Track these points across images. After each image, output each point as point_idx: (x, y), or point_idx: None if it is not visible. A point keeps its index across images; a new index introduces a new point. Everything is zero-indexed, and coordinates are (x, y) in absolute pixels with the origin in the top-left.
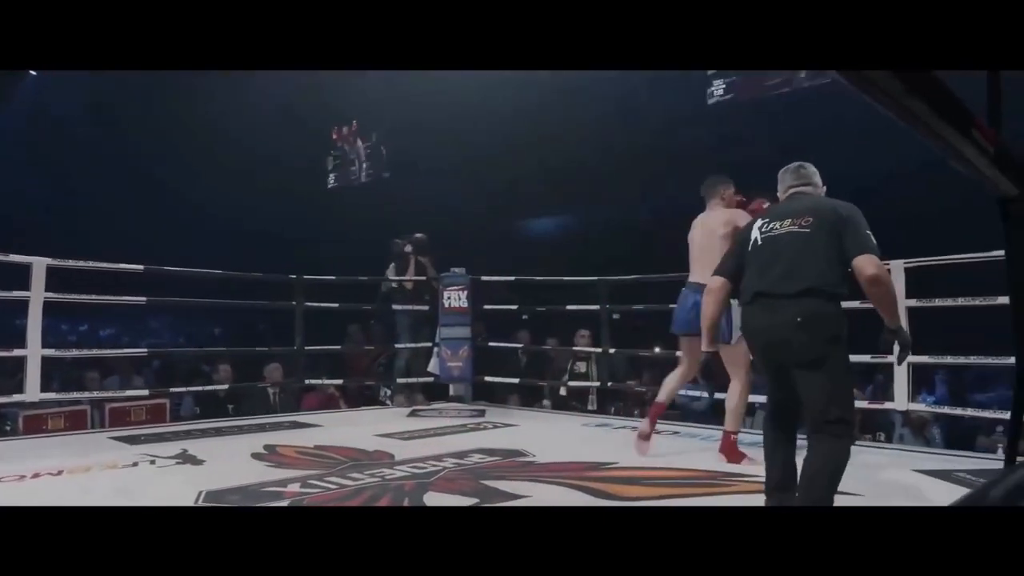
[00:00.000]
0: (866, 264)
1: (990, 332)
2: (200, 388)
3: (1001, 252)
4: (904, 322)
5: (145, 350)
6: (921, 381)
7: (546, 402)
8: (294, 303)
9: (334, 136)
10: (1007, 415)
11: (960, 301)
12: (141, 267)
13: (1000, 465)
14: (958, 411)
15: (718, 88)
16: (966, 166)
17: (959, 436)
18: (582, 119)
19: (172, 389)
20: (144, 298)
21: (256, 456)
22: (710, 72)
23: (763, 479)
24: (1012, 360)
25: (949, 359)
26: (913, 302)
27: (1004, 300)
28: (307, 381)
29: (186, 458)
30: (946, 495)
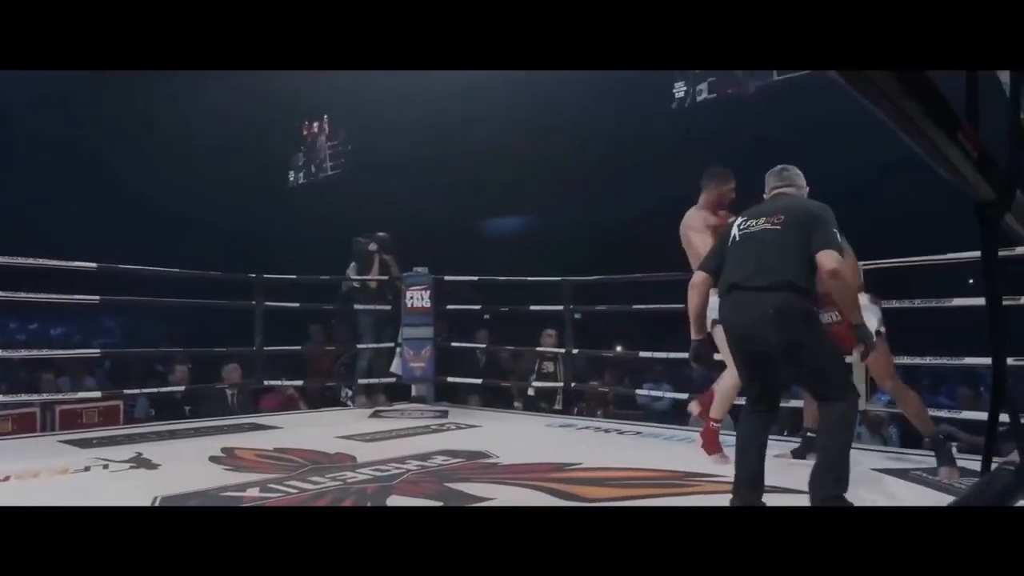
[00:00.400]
0: (826, 259)
1: (942, 334)
2: (155, 389)
3: (953, 255)
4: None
5: (98, 350)
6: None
7: (517, 404)
8: (253, 302)
9: (304, 132)
10: (961, 414)
11: (917, 303)
12: (94, 265)
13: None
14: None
15: (680, 90)
16: (950, 170)
17: (916, 435)
18: (547, 120)
19: (126, 390)
20: (97, 297)
21: (213, 459)
22: (676, 73)
23: (729, 479)
24: (965, 360)
25: (905, 359)
26: (865, 300)
27: (959, 302)
28: (266, 382)
29: (140, 462)
30: (904, 493)
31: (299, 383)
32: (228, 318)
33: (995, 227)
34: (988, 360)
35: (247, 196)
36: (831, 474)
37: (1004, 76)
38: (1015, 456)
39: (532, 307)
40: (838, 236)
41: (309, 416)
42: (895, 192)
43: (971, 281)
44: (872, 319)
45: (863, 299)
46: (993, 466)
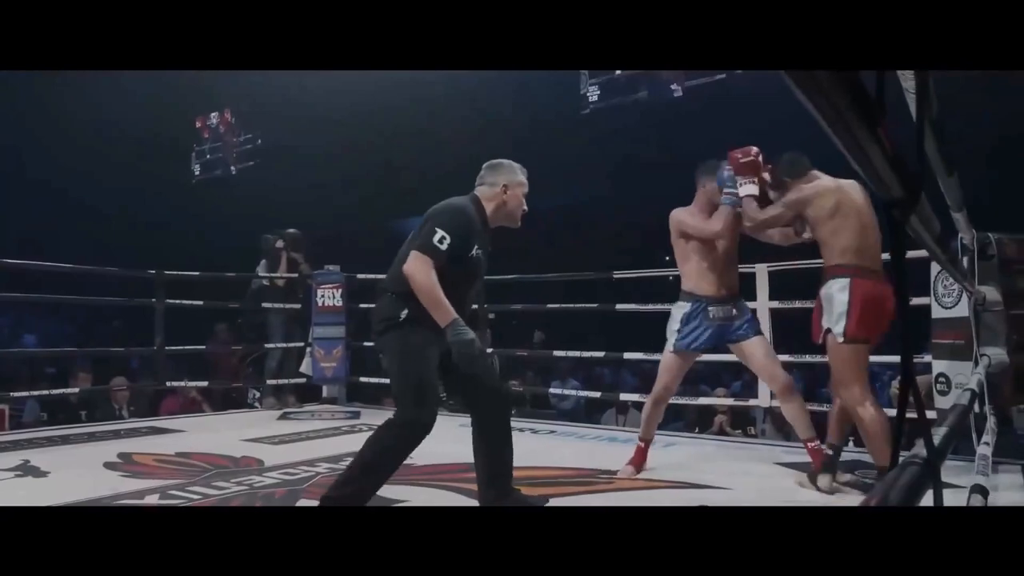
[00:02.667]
0: (408, 260)
1: None
2: (46, 392)
3: None
4: (767, 323)
5: None
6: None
7: (450, 401)
8: (154, 300)
9: (198, 125)
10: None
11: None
12: None
13: (851, 456)
14: (814, 407)
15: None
16: (867, 166)
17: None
18: (460, 118)
19: (13, 393)
20: None
21: (109, 466)
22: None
23: (643, 476)
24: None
25: (808, 357)
26: (776, 304)
27: None
28: (167, 383)
29: (27, 470)
30: (808, 488)
31: (203, 384)
32: (127, 316)
33: (904, 225)
34: (884, 358)
35: (149, 187)
36: (344, 478)
37: (907, 81)
38: (921, 449)
39: None
40: (435, 236)
41: (213, 419)
42: None
43: None
44: (832, 310)
45: (831, 284)
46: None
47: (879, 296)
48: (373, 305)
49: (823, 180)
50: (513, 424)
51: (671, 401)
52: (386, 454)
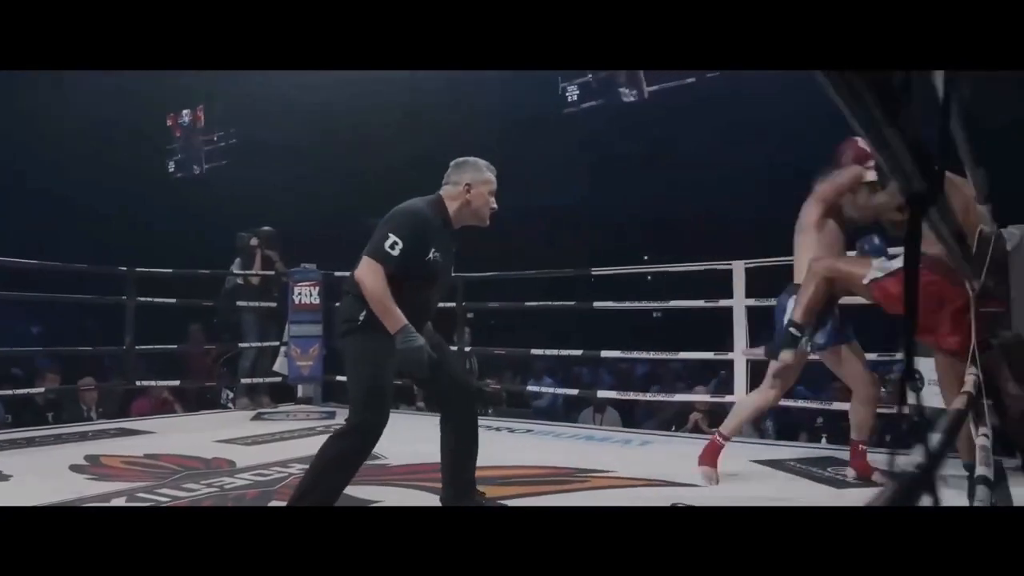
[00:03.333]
0: (359, 266)
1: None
2: (10, 392)
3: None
4: (743, 322)
5: None
6: (757, 377)
7: (420, 403)
8: (124, 298)
9: (169, 123)
10: (831, 406)
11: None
12: None
13: (824, 453)
14: (790, 403)
15: (573, 94)
16: (887, 155)
17: (789, 427)
18: (437, 116)
19: None
20: None
21: (75, 468)
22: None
23: (619, 475)
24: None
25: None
26: (752, 301)
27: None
28: (138, 383)
29: None
30: (782, 483)
31: (175, 384)
32: (98, 315)
33: (921, 217)
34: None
35: (125, 186)
36: (301, 490)
37: (937, 80)
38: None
39: None
40: (386, 241)
41: (185, 420)
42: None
43: None
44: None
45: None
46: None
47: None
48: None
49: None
50: (491, 423)
51: (649, 399)
52: (337, 460)
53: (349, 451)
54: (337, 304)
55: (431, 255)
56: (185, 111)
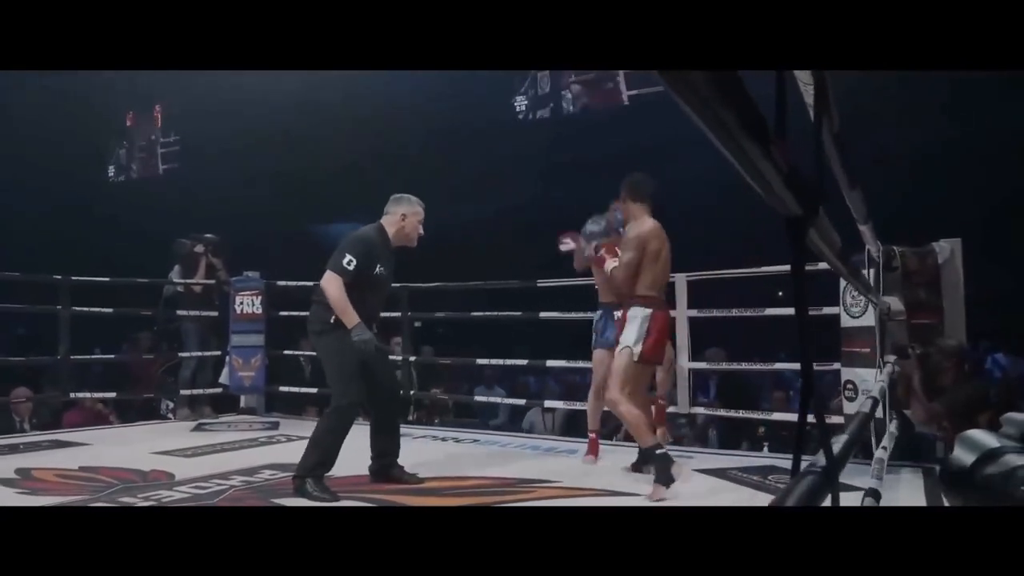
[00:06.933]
0: (323, 278)
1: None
2: None
3: (767, 268)
4: (685, 331)
5: None
6: (698, 386)
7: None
8: (58, 307)
9: (128, 123)
10: (774, 415)
11: (733, 312)
12: None
13: (765, 462)
14: (732, 413)
15: (521, 104)
16: (762, 184)
17: (735, 437)
18: (385, 121)
19: None
20: None
21: (5, 482)
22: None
23: (565, 484)
24: (775, 366)
25: (724, 365)
26: (694, 312)
27: (772, 312)
28: (72, 394)
29: None
30: (724, 492)
31: (111, 395)
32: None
33: (802, 241)
34: (797, 365)
35: (60, 191)
36: (311, 455)
37: (808, 96)
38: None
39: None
40: (343, 257)
41: (122, 431)
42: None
43: (780, 293)
44: (632, 331)
45: (636, 311)
46: (802, 465)
47: (666, 325)
48: (293, 313)
49: (650, 220)
50: (436, 433)
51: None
52: (332, 432)
53: (338, 425)
54: (291, 312)
55: (377, 270)
56: (130, 113)
